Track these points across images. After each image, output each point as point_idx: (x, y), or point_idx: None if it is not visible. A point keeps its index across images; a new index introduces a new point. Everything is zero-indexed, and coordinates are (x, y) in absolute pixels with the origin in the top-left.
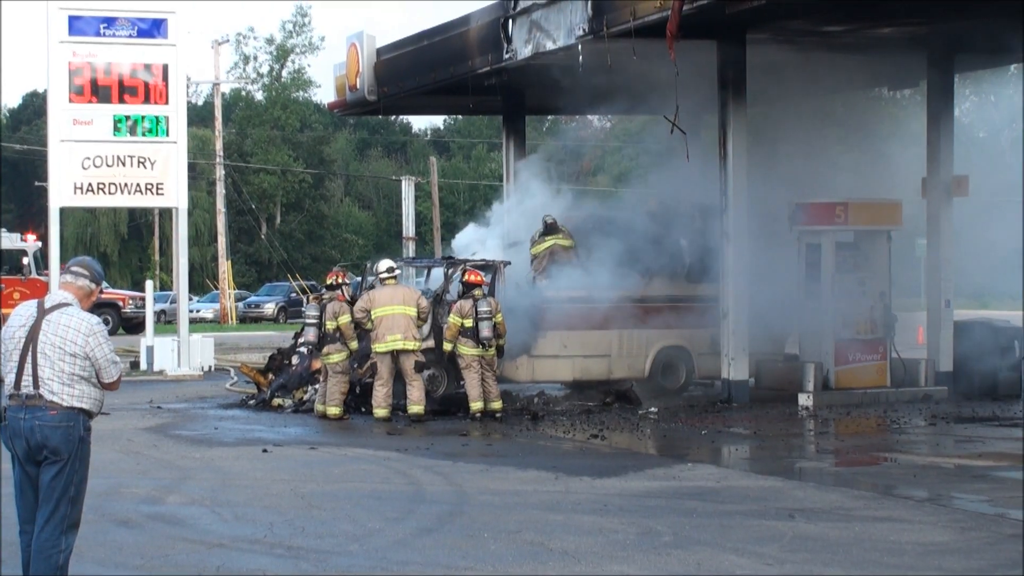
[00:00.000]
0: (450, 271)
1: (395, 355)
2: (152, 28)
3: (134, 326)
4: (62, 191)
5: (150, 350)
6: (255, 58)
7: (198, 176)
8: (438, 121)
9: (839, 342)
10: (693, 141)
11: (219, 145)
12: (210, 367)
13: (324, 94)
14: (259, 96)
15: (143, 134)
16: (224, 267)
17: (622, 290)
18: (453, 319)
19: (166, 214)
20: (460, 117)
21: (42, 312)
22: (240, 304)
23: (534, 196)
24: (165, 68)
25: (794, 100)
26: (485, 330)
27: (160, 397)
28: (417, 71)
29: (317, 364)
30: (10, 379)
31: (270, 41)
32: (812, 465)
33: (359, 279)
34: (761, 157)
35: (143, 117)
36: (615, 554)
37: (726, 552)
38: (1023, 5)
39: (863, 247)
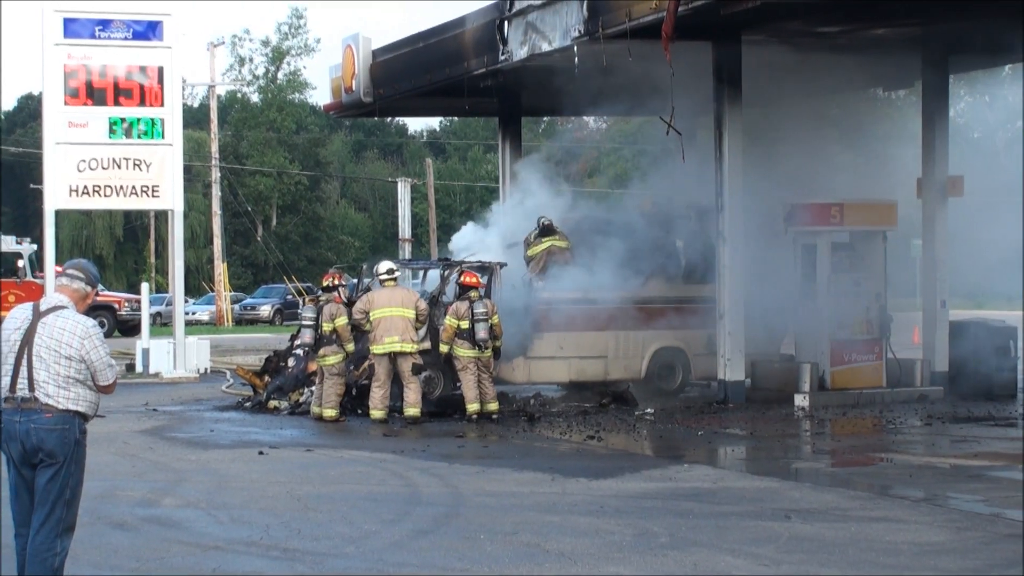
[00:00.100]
0: (446, 273)
1: (392, 357)
2: (147, 30)
3: (130, 328)
4: (57, 194)
5: (146, 352)
6: (251, 60)
7: (194, 178)
8: (434, 123)
9: (835, 343)
10: (690, 142)
11: (215, 147)
12: (206, 369)
13: (320, 96)
14: (255, 98)
15: (138, 136)
16: (220, 269)
17: (618, 291)
18: (449, 321)
19: (162, 216)
20: (456, 119)
21: (38, 315)
22: (236, 306)
23: (534, 196)
24: (160, 70)
25: (789, 101)
26: (481, 332)
27: (156, 399)
28: (413, 73)
29: (313, 366)
30: (5, 382)
31: (265, 43)
32: (808, 466)
33: (355, 281)
34: (757, 158)
35: (138, 119)
36: (611, 555)
37: (722, 553)
38: (1020, 5)
39: (859, 248)
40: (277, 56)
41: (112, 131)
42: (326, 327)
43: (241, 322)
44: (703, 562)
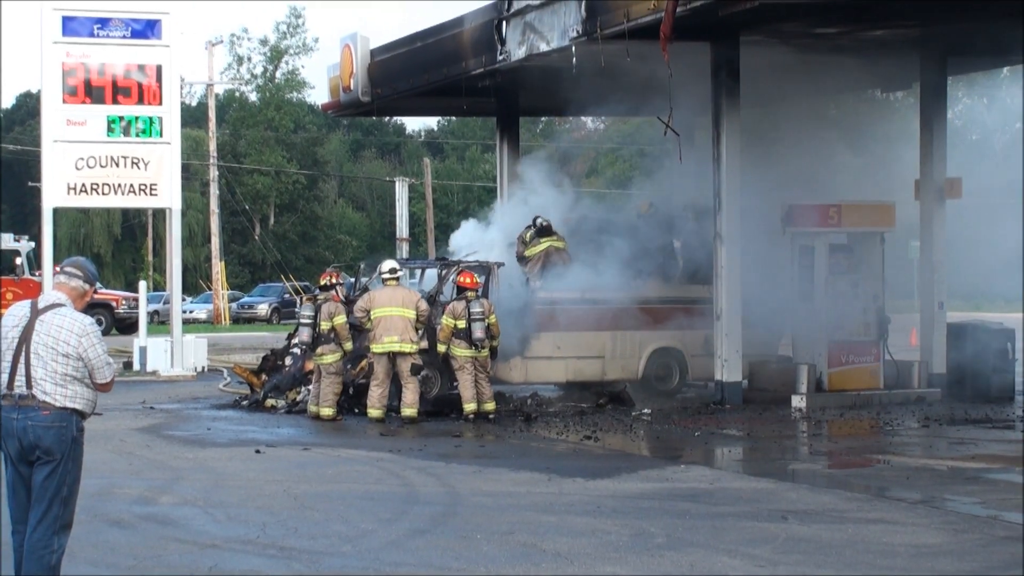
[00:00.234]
0: (444, 272)
1: (392, 356)
2: (146, 29)
3: (127, 326)
4: (55, 191)
5: (143, 350)
6: (249, 59)
7: (192, 177)
8: (432, 122)
9: (833, 344)
10: (688, 143)
11: (213, 146)
12: (203, 368)
13: (318, 95)
14: (253, 97)
15: (137, 135)
16: (217, 268)
17: (616, 291)
18: (446, 320)
19: (160, 215)
20: (454, 118)
21: (35, 312)
22: (233, 305)
23: (538, 195)
24: (159, 69)
25: (788, 102)
26: (478, 331)
27: (153, 397)
28: (411, 72)
29: (310, 365)
30: (3, 379)
31: (264, 42)
32: (805, 467)
33: (352, 280)
34: (755, 158)
35: (137, 118)
36: (608, 555)
37: (719, 554)
38: (1018, 7)
39: (857, 249)
40: (275, 55)
41: (110, 129)
42: (324, 326)
43: (239, 320)
44: (700, 563)
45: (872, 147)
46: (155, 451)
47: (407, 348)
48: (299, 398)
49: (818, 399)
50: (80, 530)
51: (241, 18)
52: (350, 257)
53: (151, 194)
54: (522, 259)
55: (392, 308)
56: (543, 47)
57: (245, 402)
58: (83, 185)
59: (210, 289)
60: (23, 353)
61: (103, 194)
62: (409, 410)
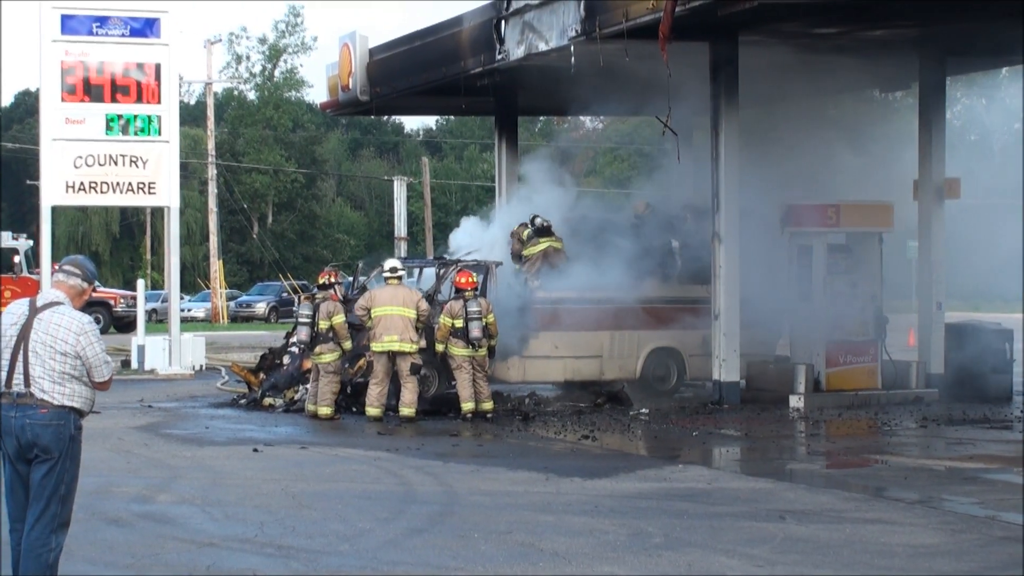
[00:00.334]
0: (442, 271)
1: (391, 356)
2: (145, 27)
3: (125, 325)
4: (54, 190)
5: (141, 349)
6: (247, 58)
7: (190, 175)
8: (430, 121)
9: (831, 344)
10: (686, 142)
11: (211, 144)
12: (201, 366)
13: (316, 94)
14: (251, 96)
15: (135, 133)
16: (216, 266)
17: (613, 291)
18: (443, 320)
19: (158, 213)
20: (452, 118)
21: (34, 311)
22: (231, 303)
23: (542, 193)
24: (157, 67)
25: (787, 101)
26: (475, 330)
27: (151, 396)
28: (409, 71)
29: (308, 364)
30: (1, 377)
31: (263, 41)
32: (803, 467)
33: (351, 279)
34: (753, 158)
35: (135, 116)
36: (606, 555)
37: (717, 553)
38: (1017, 7)
39: (855, 249)
40: (274, 54)
41: (109, 128)
42: (322, 325)
43: (236, 319)
44: (697, 562)
45: (871, 147)
46: (153, 449)
47: (407, 348)
48: (297, 397)
49: (816, 399)
50: (78, 528)
51: (240, 17)
52: (348, 256)
53: (149, 192)
54: (517, 256)
55: (393, 307)
56: (542, 46)
57: (243, 401)
58: (81, 183)
59: (208, 288)
60: (21, 351)
61: (101, 192)
62: (407, 410)
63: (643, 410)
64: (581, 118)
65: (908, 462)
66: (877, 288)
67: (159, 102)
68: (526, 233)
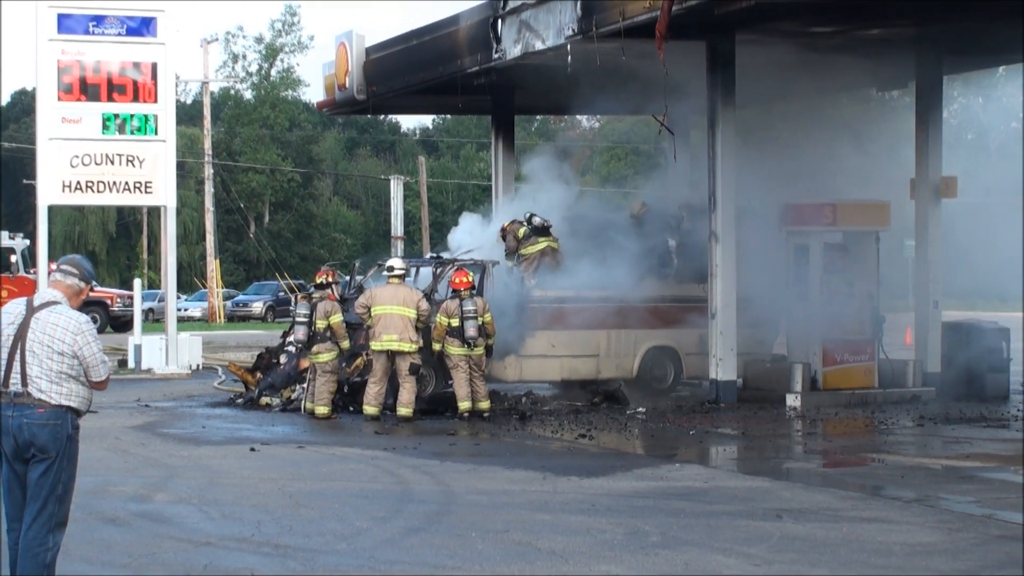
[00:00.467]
0: (439, 271)
1: (391, 355)
2: (141, 26)
3: (122, 324)
4: (50, 189)
5: (138, 348)
6: (244, 57)
7: (187, 175)
8: (427, 120)
9: (827, 343)
10: (683, 141)
11: (208, 144)
12: (198, 366)
13: (313, 93)
14: (248, 95)
15: (132, 132)
16: (212, 266)
17: (611, 290)
18: (440, 319)
19: (155, 212)
20: (449, 117)
21: (31, 310)
22: (228, 303)
23: (546, 192)
24: (154, 66)
25: (784, 100)
26: (470, 329)
27: (148, 395)
28: (406, 70)
29: (305, 363)
30: None
31: (259, 40)
32: (800, 466)
33: (347, 278)
34: (750, 157)
35: (132, 115)
36: (603, 554)
37: (714, 552)
38: (1015, 6)
39: (852, 248)
40: (271, 53)
41: (105, 127)
42: (320, 324)
43: (233, 319)
44: (694, 561)
45: (868, 146)
46: (150, 449)
47: (406, 347)
48: (294, 396)
49: (813, 398)
50: (75, 528)
51: (236, 16)
52: (345, 255)
53: (146, 192)
54: (513, 253)
55: (393, 307)
56: (539, 45)
57: (240, 400)
58: (78, 183)
59: (205, 287)
60: (18, 351)
61: (98, 192)
62: (404, 409)
63: (640, 409)
64: (578, 117)
65: (905, 461)
66: (874, 287)
67: (156, 101)
68: (522, 231)
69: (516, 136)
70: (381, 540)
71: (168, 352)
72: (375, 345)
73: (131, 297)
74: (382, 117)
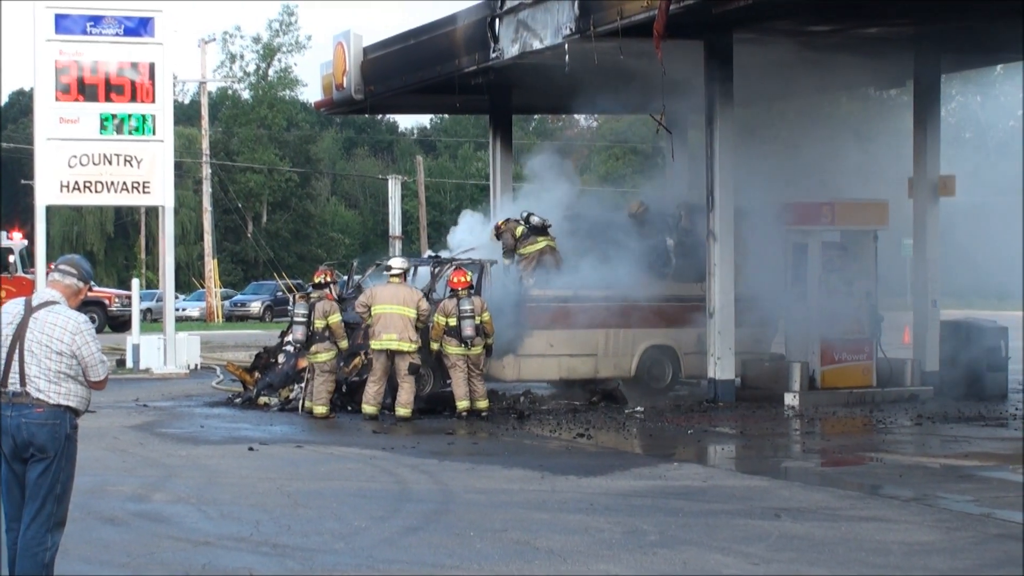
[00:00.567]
0: (437, 270)
1: (390, 354)
2: (139, 27)
3: (120, 324)
4: (48, 189)
5: (136, 348)
6: (242, 57)
7: (184, 175)
8: (424, 120)
9: (825, 342)
10: (682, 140)
11: (205, 144)
12: (196, 365)
13: (311, 93)
14: (245, 95)
15: (129, 132)
16: (210, 266)
17: (608, 289)
18: (437, 318)
19: (152, 212)
20: (446, 116)
21: (29, 310)
22: (226, 303)
23: (551, 191)
24: (152, 67)
25: (782, 99)
26: (467, 329)
27: (146, 395)
28: (404, 70)
29: (303, 363)
30: None
31: (257, 40)
32: (798, 465)
33: (345, 278)
34: (748, 156)
35: (130, 116)
36: (601, 553)
37: (712, 551)
38: (1013, 5)
39: (850, 247)
40: (268, 53)
41: (103, 127)
42: (318, 324)
43: (231, 318)
44: (693, 560)
45: (866, 145)
46: (148, 449)
47: (405, 347)
48: (292, 396)
49: (811, 397)
50: (74, 528)
51: (234, 16)
52: (343, 255)
53: (144, 192)
54: (511, 251)
55: (393, 306)
56: (536, 45)
57: (238, 400)
58: (76, 183)
59: (203, 287)
60: (17, 350)
61: (96, 192)
62: (403, 410)
63: (638, 408)
64: (576, 116)
65: (903, 460)
66: (872, 286)
67: (153, 101)
68: (520, 230)
69: (514, 136)
70: (379, 539)
71: (166, 352)
72: (375, 344)
73: (129, 297)
74: (380, 117)
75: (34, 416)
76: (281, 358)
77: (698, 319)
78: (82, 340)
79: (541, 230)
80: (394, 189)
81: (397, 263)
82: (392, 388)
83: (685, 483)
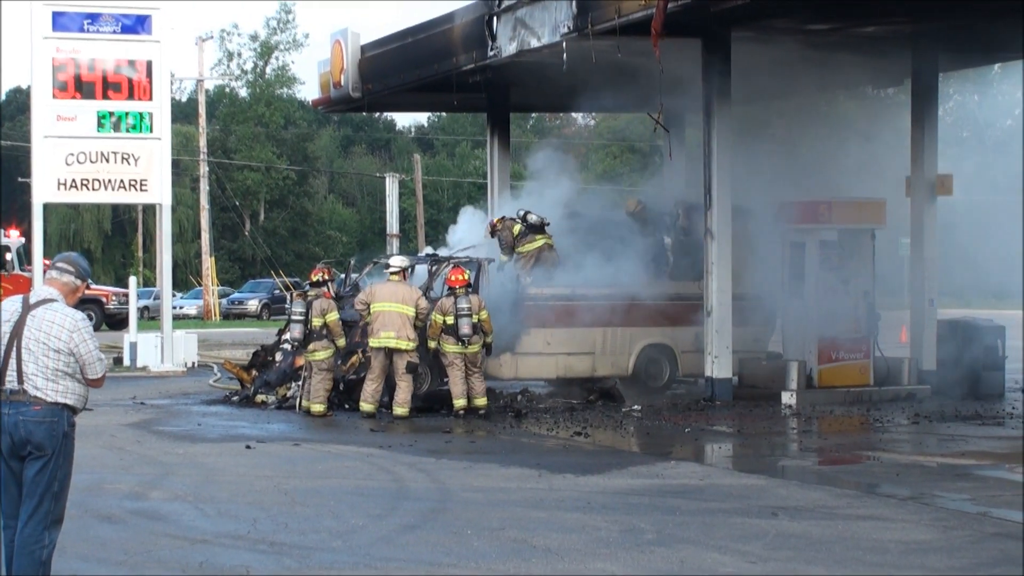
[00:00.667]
0: (434, 268)
1: (388, 352)
2: (136, 24)
3: (117, 322)
4: (46, 187)
5: (133, 346)
6: (239, 55)
7: (182, 173)
8: (422, 118)
9: (823, 341)
10: (680, 138)
11: (203, 142)
12: (193, 363)
13: (308, 91)
14: (243, 93)
15: (127, 130)
16: (208, 264)
17: (606, 288)
18: (435, 317)
19: (150, 210)
20: (444, 114)
21: (27, 308)
22: (224, 301)
23: (554, 188)
24: (149, 64)
25: (779, 98)
26: (464, 327)
27: (143, 393)
28: (401, 68)
29: (300, 361)
30: None
31: (254, 38)
32: (795, 463)
33: (343, 276)
34: (746, 155)
35: (127, 113)
36: (598, 551)
37: (709, 550)
38: (1011, 4)
39: (847, 246)
40: (265, 51)
41: (100, 125)
42: (316, 322)
43: (228, 316)
44: (690, 559)
45: (864, 143)
46: (145, 447)
47: (403, 345)
48: (289, 394)
49: (808, 396)
50: (71, 525)
51: (231, 14)
52: (340, 253)
53: (141, 190)
54: (509, 249)
55: (391, 304)
56: (534, 43)
57: (235, 398)
58: (73, 181)
59: (200, 285)
60: (14, 348)
61: (93, 190)
62: (400, 409)
63: (635, 407)
64: (573, 114)
65: (900, 458)
66: (869, 285)
67: (151, 99)
68: (517, 228)
69: (512, 134)
70: (377, 537)
71: (164, 350)
72: (373, 342)
73: (127, 295)
74: (377, 115)
75: (32, 414)
76: (279, 356)
77: (696, 318)
78: (80, 338)
79: (539, 228)
80: (392, 187)
81: (396, 261)
82: (390, 386)
83: (682, 482)
